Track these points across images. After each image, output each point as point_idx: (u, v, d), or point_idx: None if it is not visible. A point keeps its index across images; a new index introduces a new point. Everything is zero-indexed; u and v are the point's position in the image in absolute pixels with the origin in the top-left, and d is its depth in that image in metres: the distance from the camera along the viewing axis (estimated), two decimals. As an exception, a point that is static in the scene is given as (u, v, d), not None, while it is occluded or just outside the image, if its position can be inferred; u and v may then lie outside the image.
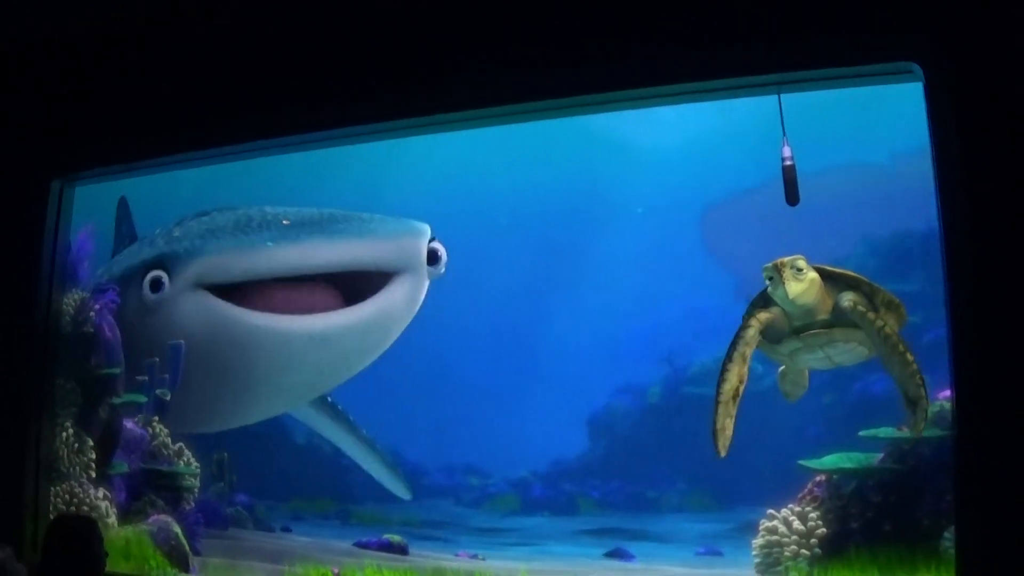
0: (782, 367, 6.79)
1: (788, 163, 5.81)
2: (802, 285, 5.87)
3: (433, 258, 8.59)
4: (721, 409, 5.98)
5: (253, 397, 9.09)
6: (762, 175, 6.19)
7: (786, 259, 5.88)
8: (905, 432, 6.03)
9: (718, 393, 6.00)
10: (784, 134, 5.86)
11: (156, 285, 8.27)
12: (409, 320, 8.87)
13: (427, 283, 8.72)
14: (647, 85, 6.20)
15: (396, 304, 8.55)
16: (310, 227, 8.23)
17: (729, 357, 6.04)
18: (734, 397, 6.00)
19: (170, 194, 9.62)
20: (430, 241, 8.55)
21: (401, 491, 11.71)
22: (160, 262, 8.37)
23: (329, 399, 10.68)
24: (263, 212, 8.56)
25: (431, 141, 8.51)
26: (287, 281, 8.26)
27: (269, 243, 8.14)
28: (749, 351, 6.06)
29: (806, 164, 5.80)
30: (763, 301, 6.21)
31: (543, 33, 6.15)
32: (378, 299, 8.36)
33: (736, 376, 6.01)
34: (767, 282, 5.95)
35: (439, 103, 6.66)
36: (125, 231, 10.23)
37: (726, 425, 6.01)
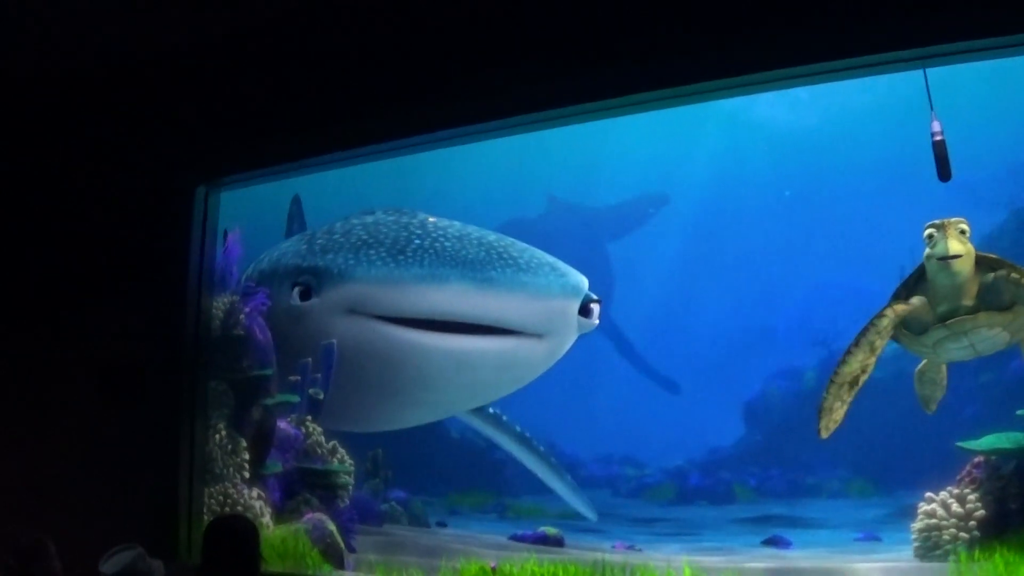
0: (919, 367, 6.63)
1: (938, 138, 5.64)
2: (963, 247, 5.70)
3: (587, 312, 8.41)
4: (833, 390, 5.85)
5: (396, 407, 9.15)
6: (913, 149, 6.01)
7: (952, 220, 5.73)
8: (1065, 411, 5.88)
9: (835, 374, 5.87)
10: (932, 109, 5.70)
11: (305, 296, 8.28)
12: (550, 365, 8.80)
13: (576, 335, 8.60)
14: (790, 65, 6.10)
15: (537, 353, 8.46)
16: (462, 269, 8.04)
17: (856, 342, 5.89)
18: (852, 383, 5.86)
19: (338, 193, 9.76)
20: (586, 301, 8.37)
21: (585, 510, 11.72)
22: (310, 274, 8.36)
23: (492, 410, 10.82)
24: (424, 229, 8.43)
25: (574, 132, 8.43)
26: None
27: (417, 283, 8.02)
28: (880, 342, 5.89)
29: (951, 137, 5.64)
30: (906, 290, 6.06)
31: (682, 17, 6.11)
32: (523, 341, 8.26)
33: (858, 362, 5.85)
34: (926, 241, 5.78)
35: (585, 92, 6.65)
36: (296, 229, 10.40)
37: (835, 407, 5.90)
